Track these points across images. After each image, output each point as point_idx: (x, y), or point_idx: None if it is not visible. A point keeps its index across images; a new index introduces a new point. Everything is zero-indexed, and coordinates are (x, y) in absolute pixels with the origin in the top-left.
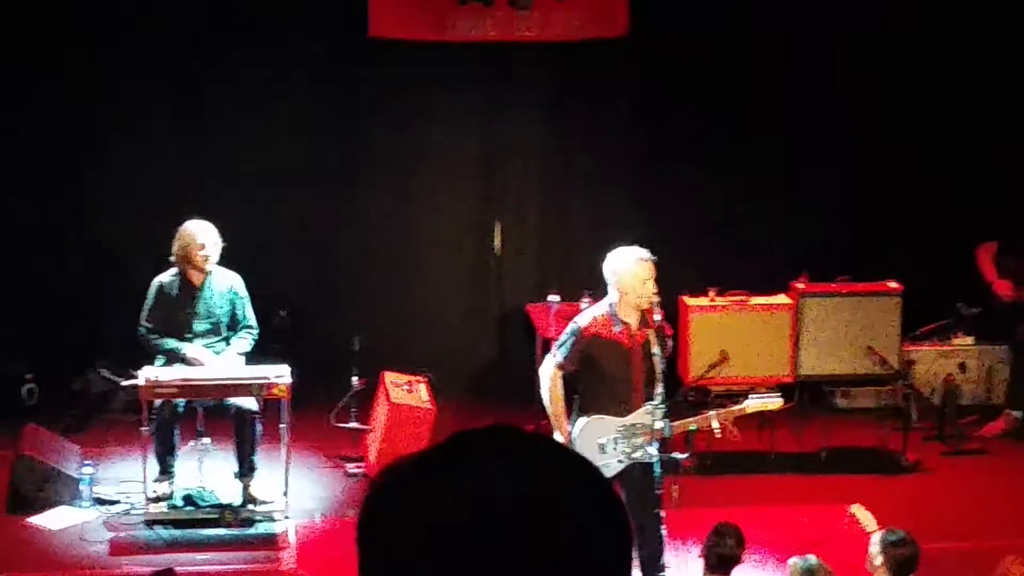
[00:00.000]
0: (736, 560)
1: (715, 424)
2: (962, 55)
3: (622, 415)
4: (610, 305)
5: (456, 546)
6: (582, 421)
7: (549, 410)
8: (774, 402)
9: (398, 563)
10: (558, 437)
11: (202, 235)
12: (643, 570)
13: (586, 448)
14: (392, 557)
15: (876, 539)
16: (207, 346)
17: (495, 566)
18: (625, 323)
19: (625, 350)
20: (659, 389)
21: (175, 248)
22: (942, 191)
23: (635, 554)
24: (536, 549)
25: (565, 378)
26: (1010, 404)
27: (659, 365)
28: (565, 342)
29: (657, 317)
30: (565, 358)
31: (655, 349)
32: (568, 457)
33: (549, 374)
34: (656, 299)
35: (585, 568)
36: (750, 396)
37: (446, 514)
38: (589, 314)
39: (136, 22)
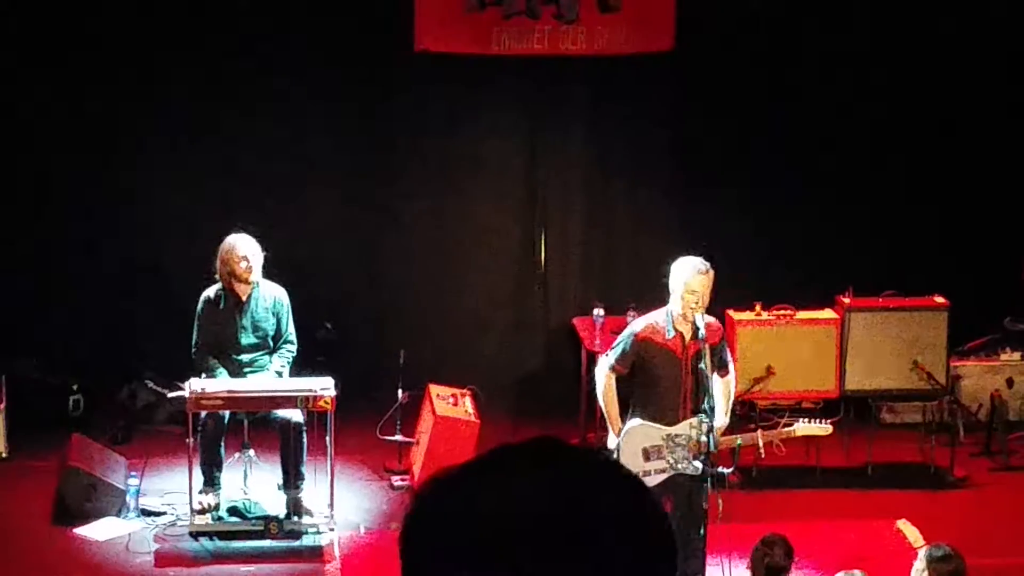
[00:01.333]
0: (784, 571)
1: (761, 443)
2: (1007, 60)
3: (670, 424)
4: (667, 313)
5: (498, 558)
6: (629, 425)
7: (603, 411)
8: (824, 429)
9: (439, 574)
10: (611, 438)
11: (243, 248)
12: None
13: (631, 453)
14: (433, 568)
15: (922, 555)
16: (253, 359)
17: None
18: (679, 332)
19: (676, 359)
20: (715, 404)
21: (218, 264)
22: (990, 205)
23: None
24: (577, 562)
25: (620, 381)
26: None
27: (709, 378)
28: (619, 345)
29: (701, 326)
30: (617, 360)
31: (703, 363)
32: (612, 470)
33: (603, 376)
34: (693, 310)
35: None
36: (801, 420)
37: (488, 526)
38: (645, 320)
39: (175, 31)
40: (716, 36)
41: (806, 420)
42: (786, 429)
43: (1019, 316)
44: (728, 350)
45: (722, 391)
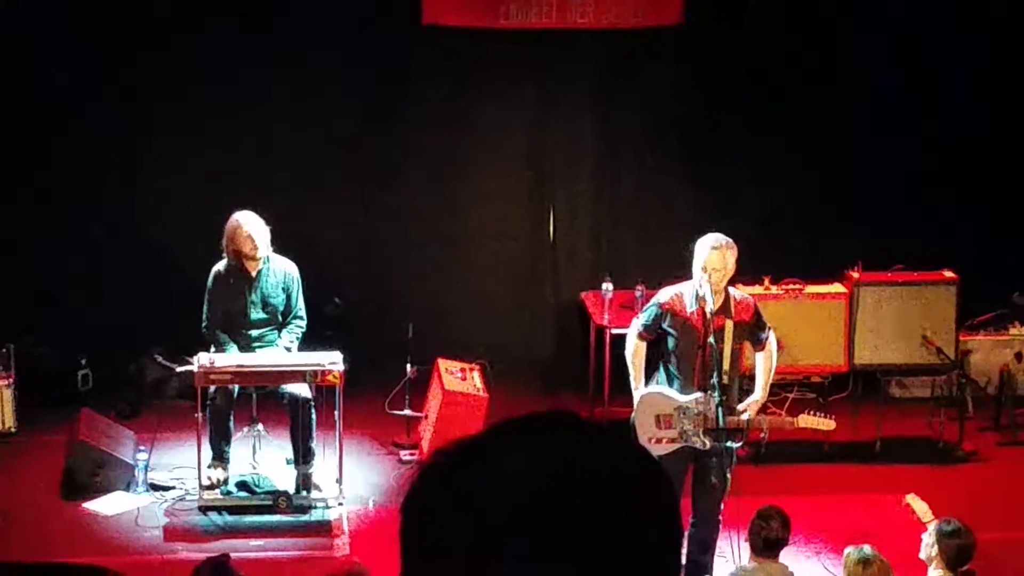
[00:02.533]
0: (783, 543)
1: (764, 428)
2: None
3: (685, 393)
4: (692, 286)
5: (499, 532)
6: (645, 391)
7: (629, 372)
8: (827, 424)
9: (439, 548)
10: (636, 395)
11: (248, 225)
12: (695, 553)
13: (645, 418)
14: (433, 543)
15: (932, 529)
16: (263, 334)
17: (539, 552)
18: (700, 306)
19: (695, 332)
20: (726, 380)
21: (224, 242)
22: (998, 180)
23: (687, 536)
24: (581, 534)
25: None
26: None
27: (726, 356)
28: (646, 311)
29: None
30: (644, 327)
31: (726, 340)
32: (616, 443)
33: (632, 339)
34: (708, 288)
35: (630, 551)
36: (805, 412)
37: (489, 500)
38: (672, 290)
39: (178, 19)
40: (725, 10)
41: (811, 412)
42: (789, 420)
43: None
44: (765, 326)
45: (761, 367)
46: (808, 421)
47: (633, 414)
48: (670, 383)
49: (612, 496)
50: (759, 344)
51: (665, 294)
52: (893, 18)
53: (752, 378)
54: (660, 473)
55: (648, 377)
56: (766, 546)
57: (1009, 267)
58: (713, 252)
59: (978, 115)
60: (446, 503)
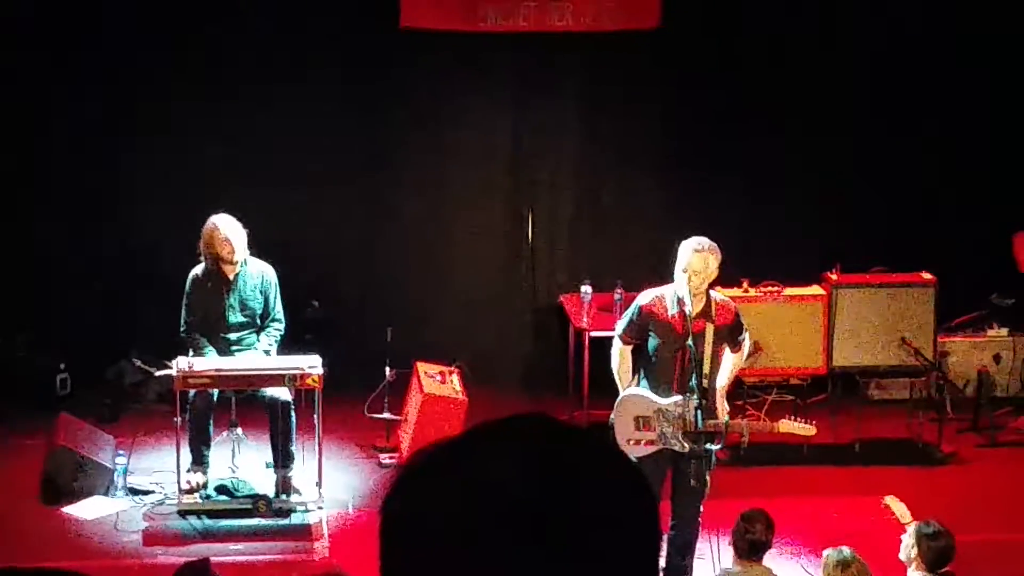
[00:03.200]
0: (766, 545)
1: (745, 434)
2: (993, 42)
3: (665, 396)
4: (672, 288)
5: (477, 534)
6: (626, 393)
7: (615, 376)
8: (807, 429)
9: (419, 551)
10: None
11: (224, 229)
12: (674, 556)
13: (624, 419)
14: (413, 546)
15: (911, 530)
16: (241, 338)
17: (516, 554)
18: (681, 309)
19: (676, 335)
20: (706, 384)
21: (201, 246)
22: (976, 181)
23: (666, 538)
24: (558, 537)
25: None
26: None
27: (706, 359)
28: (626, 315)
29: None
30: (625, 330)
31: (707, 343)
32: (594, 445)
33: (616, 346)
34: (687, 291)
35: (608, 552)
36: (785, 418)
37: (467, 502)
38: (653, 292)
39: (166, 13)
40: (702, 13)
41: (791, 417)
42: (768, 425)
43: (1006, 292)
44: (744, 331)
45: (730, 362)
46: (789, 426)
47: (612, 415)
48: (650, 385)
49: (590, 497)
50: (735, 346)
51: (645, 297)
52: (869, 21)
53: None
54: (638, 475)
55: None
56: (751, 549)
57: (987, 269)
58: (695, 255)
59: (956, 116)
60: (425, 505)
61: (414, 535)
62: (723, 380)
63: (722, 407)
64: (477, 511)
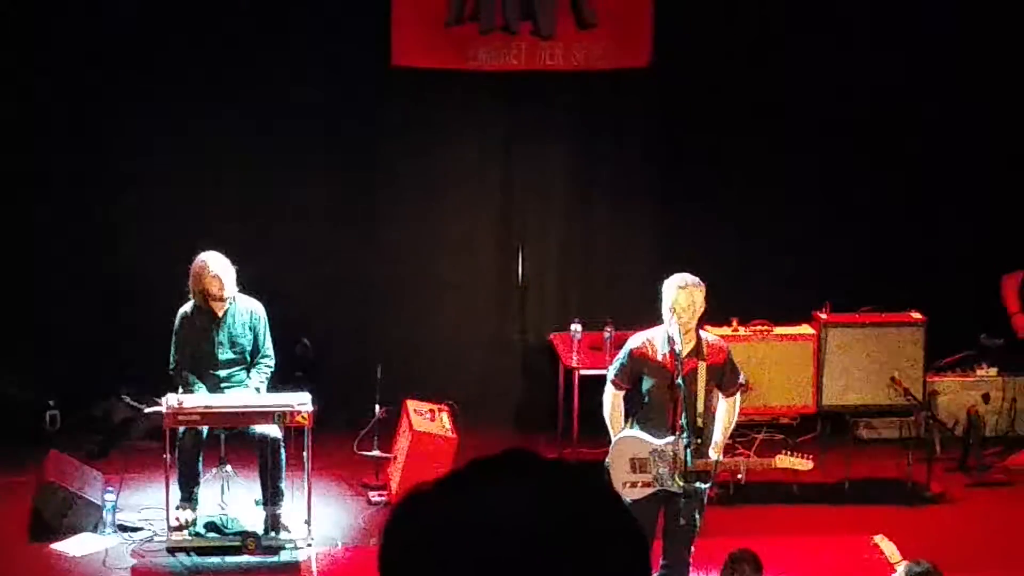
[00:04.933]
0: None
1: (741, 471)
2: (989, 78)
3: (659, 437)
4: (663, 329)
5: (474, 571)
6: (621, 435)
7: (607, 423)
8: (804, 464)
9: None
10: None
11: (214, 266)
12: None
13: (620, 462)
14: None
15: (901, 570)
16: (231, 375)
17: None
18: (672, 349)
19: (667, 374)
20: (697, 422)
21: (191, 284)
22: (966, 221)
23: None
24: (553, 572)
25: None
26: None
27: (699, 398)
28: (618, 360)
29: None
30: (616, 375)
31: (699, 382)
32: (586, 482)
33: (609, 392)
34: (676, 329)
35: None
36: (782, 452)
37: (465, 539)
38: (643, 336)
39: (153, 53)
40: (693, 52)
41: (788, 452)
42: (765, 461)
43: (995, 332)
44: (736, 371)
45: (723, 414)
46: (785, 461)
47: (608, 459)
48: (644, 427)
49: (579, 534)
50: (729, 389)
51: (636, 340)
52: (861, 62)
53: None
54: (626, 511)
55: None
56: None
57: (976, 308)
58: (680, 292)
59: (948, 156)
60: (423, 543)
61: (413, 572)
62: (718, 435)
63: (717, 459)
64: (474, 548)
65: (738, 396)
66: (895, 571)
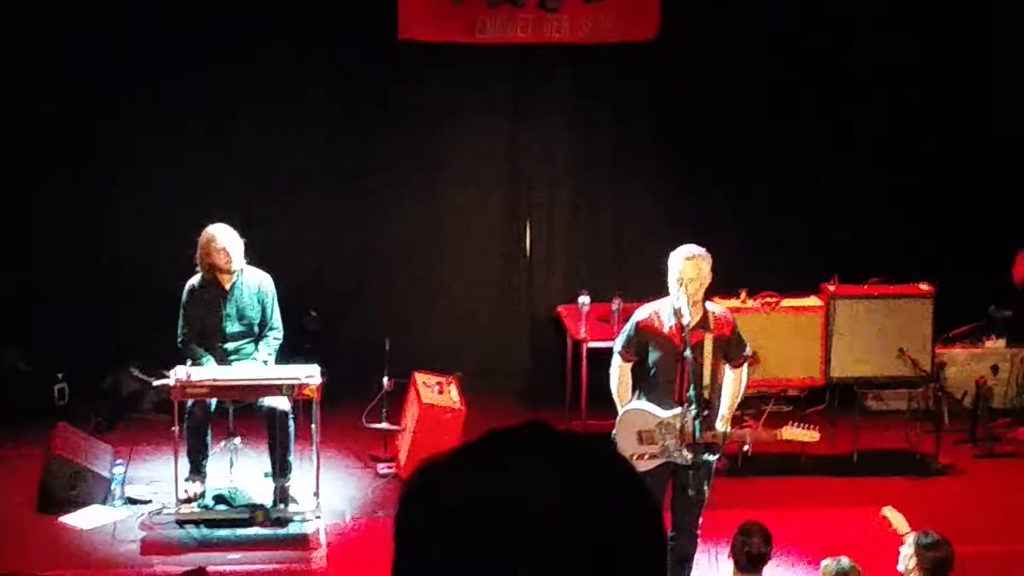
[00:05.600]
0: (766, 558)
1: (748, 443)
2: (995, 52)
3: (666, 409)
4: (669, 301)
5: (492, 543)
6: (627, 408)
7: (614, 395)
8: (811, 436)
9: (435, 560)
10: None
11: (222, 239)
12: (674, 566)
13: (626, 434)
14: (429, 554)
15: (910, 541)
16: (239, 347)
17: (530, 562)
18: (679, 321)
19: (674, 347)
20: (703, 394)
21: (198, 256)
22: (975, 193)
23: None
24: (571, 545)
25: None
26: None
27: (706, 370)
28: (625, 332)
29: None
30: (623, 347)
31: (705, 354)
32: (602, 454)
33: (616, 364)
34: (684, 300)
35: (619, 564)
36: (789, 424)
37: (482, 511)
38: (649, 307)
39: (165, 28)
40: (700, 25)
41: (794, 424)
42: (772, 432)
43: (1004, 303)
44: (743, 343)
45: (730, 387)
46: (792, 433)
47: (615, 431)
48: (651, 399)
49: (597, 506)
50: (735, 360)
51: (643, 312)
52: (867, 36)
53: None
54: (642, 483)
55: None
56: (749, 561)
57: (985, 280)
58: (687, 263)
59: (954, 128)
60: (443, 514)
61: (429, 544)
62: (724, 409)
63: (724, 431)
64: (493, 520)
65: (745, 367)
66: (904, 542)
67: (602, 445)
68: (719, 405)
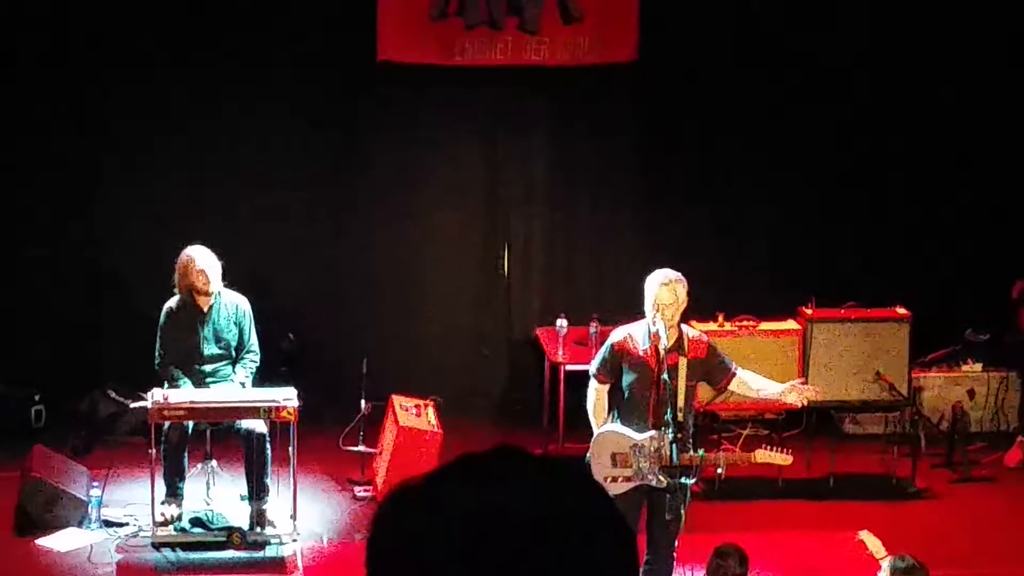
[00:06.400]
0: None
1: (721, 466)
2: (971, 76)
3: (640, 431)
4: (644, 324)
5: (463, 566)
6: (601, 430)
7: (590, 418)
8: (784, 459)
9: None
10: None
11: (200, 261)
12: None
13: (600, 457)
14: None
15: (886, 565)
16: (216, 369)
17: None
18: (654, 344)
19: (648, 369)
20: (681, 416)
21: (176, 278)
22: (952, 217)
23: (641, 572)
24: (542, 568)
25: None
26: (1023, 430)
27: (680, 393)
28: (600, 354)
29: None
30: (598, 369)
31: (680, 377)
32: (574, 478)
33: (592, 387)
34: (662, 324)
35: None
36: (762, 447)
37: (454, 535)
38: (624, 329)
39: (136, 49)
40: (678, 47)
41: (768, 447)
42: (745, 455)
43: (980, 327)
44: (723, 365)
45: (749, 379)
46: (765, 456)
47: (589, 453)
48: (625, 421)
49: (568, 529)
50: (721, 382)
51: (618, 334)
52: (848, 52)
53: (706, 415)
54: (613, 506)
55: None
56: None
57: (962, 304)
58: (663, 288)
59: (929, 152)
60: (413, 537)
61: (402, 568)
62: (773, 387)
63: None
64: (463, 543)
65: (739, 371)
66: (880, 567)
67: (574, 468)
68: (766, 388)
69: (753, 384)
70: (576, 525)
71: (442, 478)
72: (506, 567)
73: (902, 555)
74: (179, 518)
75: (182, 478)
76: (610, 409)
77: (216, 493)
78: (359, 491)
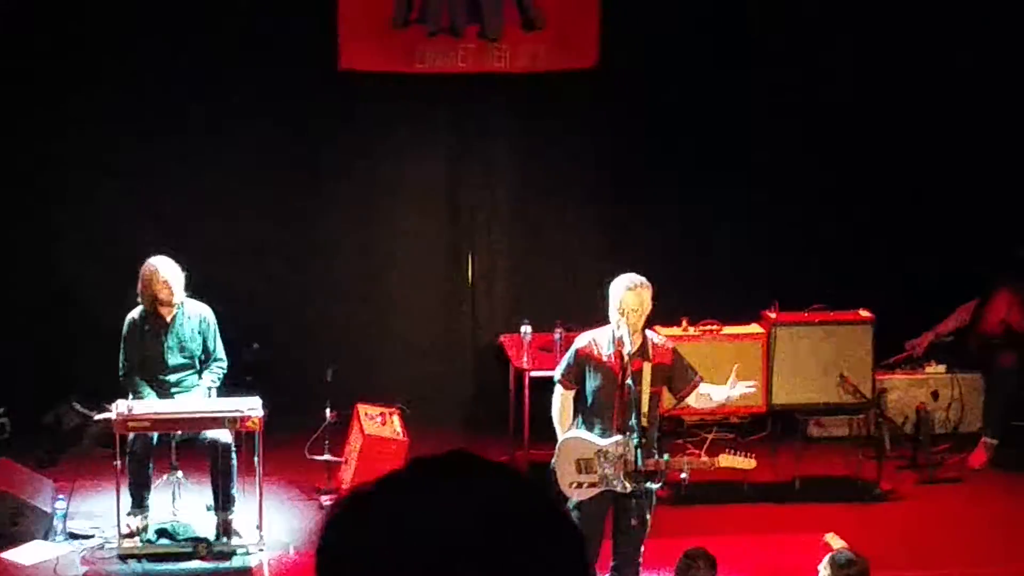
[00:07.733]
0: None
1: (685, 470)
2: (942, 81)
3: (605, 437)
4: (609, 329)
5: (412, 572)
6: (565, 436)
7: (555, 424)
8: (747, 463)
9: None
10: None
11: (163, 271)
12: None
13: (565, 463)
14: None
15: (825, 562)
16: (181, 379)
17: None
18: (618, 349)
19: (613, 375)
20: (645, 422)
21: (140, 288)
22: (914, 219)
23: None
24: (489, 573)
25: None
26: (987, 432)
27: (644, 398)
28: (564, 360)
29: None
30: (563, 375)
31: (644, 382)
32: (524, 485)
33: (557, 393)
34: (626, 330)
35: None
36: (726, 451)
37: (402, 540)
38: (589, 335)
39: (102, 58)
40: (639, 53)
41: (731, 452)
42: (708, 460)
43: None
44: (687, 374)
45: (714, 392)
46: (729, 460)
47: (554, 460)
48: (589, 427)
49: (517, 537)
50: (680, 392)
51: (582, 339)
52: (809, 56)
53: (671, 419)
54: (564, 513)
55: None
56: None
57: (924, 306)
58: (628, 293)
59: (897, 154)
60: (359, 543)
61: (350, 572)
62: (722, 393)
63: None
64: (413, 549)
65: (702, 383)
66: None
67: (525, 474)
68: (666, 430)
69: (715, 396)
70: (526, 531)
71: (393, 484)
72: (456, 573)
73: (842, 550)
74: (145, 529)
75: (147, 489)
76: (575, 415)
77: (182, 504)
78: (325, 500)
